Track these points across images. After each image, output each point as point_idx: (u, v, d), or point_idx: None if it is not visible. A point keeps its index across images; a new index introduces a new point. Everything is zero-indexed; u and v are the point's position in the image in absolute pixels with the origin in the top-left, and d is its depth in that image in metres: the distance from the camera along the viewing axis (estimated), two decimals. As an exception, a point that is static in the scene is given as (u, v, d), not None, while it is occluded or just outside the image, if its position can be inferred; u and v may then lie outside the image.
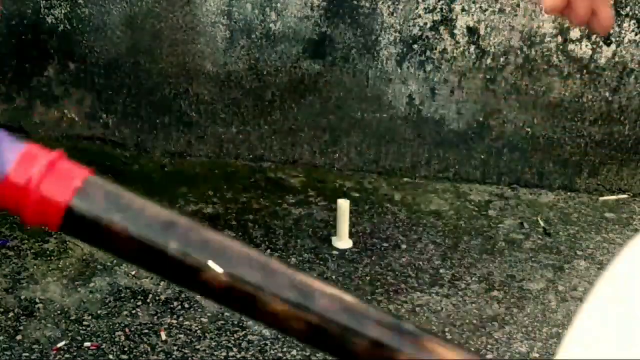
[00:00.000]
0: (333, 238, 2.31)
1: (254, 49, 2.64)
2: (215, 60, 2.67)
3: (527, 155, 2.70)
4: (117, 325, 1.89)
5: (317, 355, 1.86)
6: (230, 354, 1.83)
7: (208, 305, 1.97)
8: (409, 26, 2.57)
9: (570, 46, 2.54)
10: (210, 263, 0.48)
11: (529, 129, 2.66)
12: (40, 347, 1.81)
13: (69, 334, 1.85)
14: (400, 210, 2.51)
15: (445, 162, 2.73)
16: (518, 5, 2.52)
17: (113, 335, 1.86)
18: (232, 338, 1.88)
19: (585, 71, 2.57)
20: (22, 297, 1.97)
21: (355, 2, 2.57)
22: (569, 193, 2.70)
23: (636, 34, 2.51)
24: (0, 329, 1.86)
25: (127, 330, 1.88)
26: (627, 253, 0.50)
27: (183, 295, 2.01)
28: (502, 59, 2.58)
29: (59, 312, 1.92)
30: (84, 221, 0.48)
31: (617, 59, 2.54)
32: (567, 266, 2.26)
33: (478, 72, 2.60)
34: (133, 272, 2.09)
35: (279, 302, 0.48)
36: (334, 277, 2.13)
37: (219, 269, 0.48)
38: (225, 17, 2.60)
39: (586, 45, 2.54)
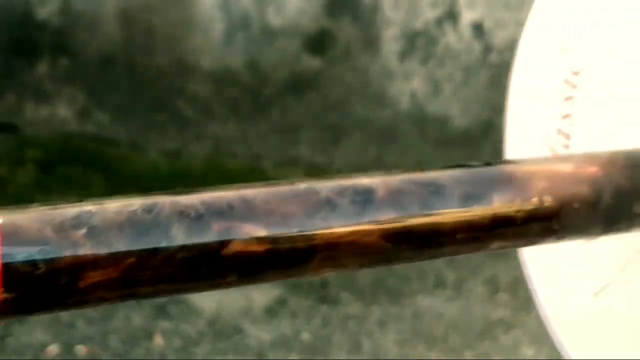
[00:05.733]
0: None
1: (251, 44, 2.63)
2: (212, 56, 2.65)
3: (531, 154, 2.69)
4: (111, 328, 1.86)
5: (317, 358, 1.83)
6: (228, 358, 1.80)
7: (205, 309, 1.94)
8: (412, 21, 2.56)
9: (578, 41, 2.53)
10: None
11: (534, 127, 2.65)
12: (32, 351, 1.77)
13: (61, 338, 1.82)
14: (403, 211, 2.48)
15: (449, 161, 2.70)
16: None
17: (106, 339, 1.83)
18: (230, 342, 1.85)
19: (592, 68, 2.55)
20: (12, 300, 1.93)
21: (356, -3, 2.56)
22: (574, 193, 2.68)
23: (644, 30, 2.50)
24: (-12, 332, 1.83)
25: (121, 334, 1.85)
26: None
27: (179, 298, 1.97)
28: (508, 55, 2.56)
29: (50, 315, 1.88)
30: None
31: (625, 55, 2.53)
32: (575, 268, 2.24)
33: (483, 68, 2.59)
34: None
35: None
36: (334, 280, 2.09)
37: None
38: (222, 11, 2.59)
39: (594, 41, 2.52)
